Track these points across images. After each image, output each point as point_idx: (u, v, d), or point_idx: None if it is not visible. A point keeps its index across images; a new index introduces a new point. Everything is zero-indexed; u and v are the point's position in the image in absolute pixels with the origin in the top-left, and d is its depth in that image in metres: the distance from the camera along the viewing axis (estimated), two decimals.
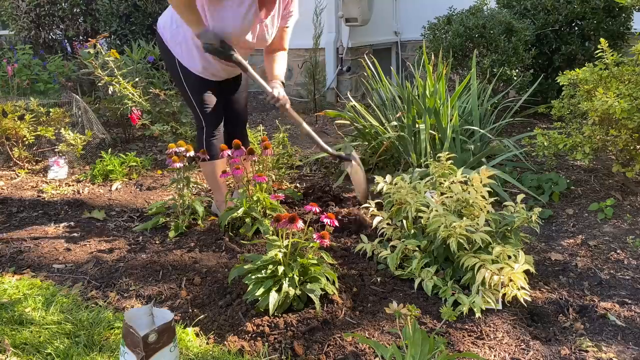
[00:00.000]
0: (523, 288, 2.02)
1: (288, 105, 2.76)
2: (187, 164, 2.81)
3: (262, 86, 2.67)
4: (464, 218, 2.13)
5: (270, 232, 2.22)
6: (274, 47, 2.79)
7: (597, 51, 3.10)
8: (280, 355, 1.81)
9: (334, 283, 2.11)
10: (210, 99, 2.79)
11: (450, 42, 4.58)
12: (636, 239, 2.62)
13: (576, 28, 4.85)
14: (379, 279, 2.27)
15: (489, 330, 1.93)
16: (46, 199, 3.41)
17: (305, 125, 2.81)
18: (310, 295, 2.02)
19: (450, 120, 3.40)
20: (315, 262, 2.12)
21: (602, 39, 3.04)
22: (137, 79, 4.18)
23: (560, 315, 2.05)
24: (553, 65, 4.89)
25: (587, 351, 1.82)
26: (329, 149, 2.93)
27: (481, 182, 2.20)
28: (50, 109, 4.13)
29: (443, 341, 1.62)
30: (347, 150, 3.06)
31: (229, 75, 2.87)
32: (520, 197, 2.32)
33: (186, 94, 2.79)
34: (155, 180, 3.76)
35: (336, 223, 2.05)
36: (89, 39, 3.99)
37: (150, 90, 4.11)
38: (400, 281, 2.27)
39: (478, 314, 1.98)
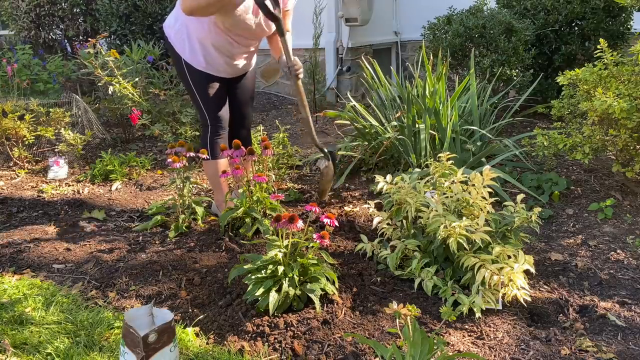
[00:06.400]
0: (523, 288, 2.02)
1: (301, 76, 2.78)
2: (187, 164, 2.81)
3: (288, 52, 2.70)
4: (464, 218, 2.13)
5: (270, 232, 2.22)
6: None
7: (597, 51, 3.11)
8: (280, 355, 1.81)
9: (333, 283, 2.12)
10: (216, 97, 2.79)
11: (450, 42, 4.57)
12: (636, 239, 2.62)
13: (576, 28, 4.85)
14: (379, 279, 2.27)
15: (489, 330, 1.93)
16: (46, 199, 3.41)
17: (307, 110, 2.86)
18: (310, 295, 2.02)
19: (450, 120, 3.40)
20: (315, 262, 2.12)
21: (601, 39, 3.04)
22: (137, 79, 4.18)
23: (560, 315, 2.05)
24: (553, 65, 4.88)
25: (587, 351, 1.82)
26: (318, 141, 3.00)
27: (482, 182, 2.20)
28: (50, 109, 4.13)
29: (443, 341, 1.62)
30: (330, 147, 3.13)
31: (234, 73, 2.87)
32: (520, 197, 2.32)
33: (192, 92, 2.80)
34: (155, 180, 3.76)
35: (336, 223, 2.06)
36: (89, 39, 3.99)
37: (150, 90, 4.11)
38: (400, 281, 2.27)
39: (478, 314, 1.98)
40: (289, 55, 2.70)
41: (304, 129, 2.97)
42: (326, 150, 3.04)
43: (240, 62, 2.85)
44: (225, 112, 2.85)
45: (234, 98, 2.95)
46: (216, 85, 2.79)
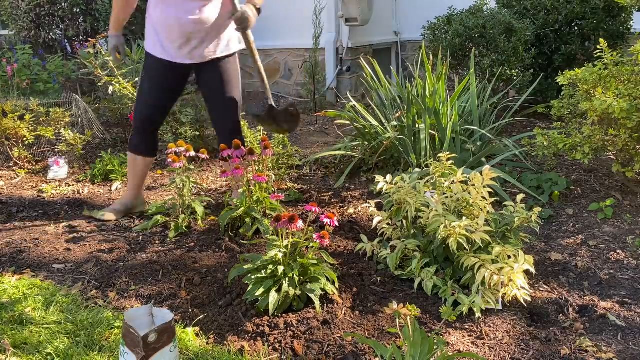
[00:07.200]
0: (523, 288, 2.02)
1: (249, 33, 2.59)
2: (187, 163, 2.82)
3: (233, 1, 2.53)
4: (464, 218, 2.13)
5: (270, 232, 2.22)
6: None
7: (597, 51, 3.11)
8: (280, 355, 1.81)
9: (334, 283, 2.12)
10: (150, 86, 2.75)
11: (450, 42, 4.58)
12: (636, 239, 2.62)
13: (576, 28, 4.85)
14: (379, 279, 2.27)
15: (489, 330, 1.93)
16: (46, 199, 3.41)
17: (260, 64, 2.74)
18: (310, 295, 2.02)
19: (450, 120, 3.40)
20: (315, 262, 2.12)
21: (601, 39, 3.04)
22: (137, 79, 4.18)
23: (560, 315, 2.05)
24: (553, 65, 4.89)
25: (587, 351, 1.82)
26: (269, 92, 2.83)
27: (482, 182, 2.20)
28: (50, 109, 4.13)
29: (443, 341, 1.62)
30: (283, 105, 2.91)
31: (183, 54, 2.66)
32: (520, 197, 2.32)
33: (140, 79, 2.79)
34: (155, 180, 3.76)
35: (336, 223, 2.06)
36: (89, 39, 3.99)
37: None
38: (400, 281, 2.27)
39: (478, 314, 1.98)
40: (235, 5, 2.53)
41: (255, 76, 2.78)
42: (270, 104, 2.81)
43: (190, 43, 2.63)
44: (151, 109, 2.77)
45: (204, 96, 2.81)
46: (161, 74, 2.73)
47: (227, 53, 2.76)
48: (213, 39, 2.68)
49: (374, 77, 3.95)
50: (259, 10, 2.63)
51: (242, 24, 2.56)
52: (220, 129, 2.90)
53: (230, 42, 2.76)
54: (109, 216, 2.97)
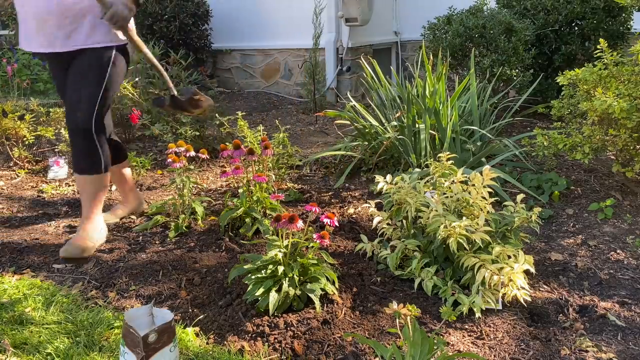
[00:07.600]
0: (523, 288, 2.02)
1: (130, 27, 2.38)
2: (187, 163, 2.82)
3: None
4: (464, 218, 2.13)
5: (270, 232, 2.22)
6: None
7: (597, 51, 3.11)
8: (280, 355, 1.81)
9: (333, 283, 2.12)
10: (56, 86, 2.71)
11: (450, 42, 4.58)
12: (636, 239, 2.62)
13: (576, 28, 4.85)
14: (379, 279, 2.27)
15: (489, 330, 1.93)
16: (46, 199, 3.41)
17: (151, 56, 2.53)
18: (310, 295, 2.02)
19: (450, 120, 3.40)
20: (315, 262, 2.12)
21: (601, 39, 3.05)
22: (137, 79, 4.18)
23: (560, 315, 2.05)
24: (553, 65, 4.89)
25: (587, 351, 1.82)
26: (170, 82, 2.67)
27: (482, 182, 2.20)
28: (50, 109, 4.13)
29: (443, 341, 1.62)
30: (184, 91, 2.73)
31: (43, 42, 2.43)
32: (520, 197, 2.32)
33: None
34: (155, 180, 3.75)
35: (336, 223, 2.06)
36: None
37: (150, 90, 4.11)
38: (400, 281, 2.27)
39: (478, 314, 1.98)
40: (104, 3, 2.24)
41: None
42: (172, 94, 2.67)
43: (45, 27, 2.40)
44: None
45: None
46: (57, 83, 2.69)
47: (94, 45, 2.45)
48: (74, 25, 2.40)
49: (374, 77, 3.95)
50: (136, 2, 2.37)
51: (116, 23, 2.29)
52: (66, 117, 2.56)
53: (96, 32, 2.45)
54: (108, 217, 2.97)
